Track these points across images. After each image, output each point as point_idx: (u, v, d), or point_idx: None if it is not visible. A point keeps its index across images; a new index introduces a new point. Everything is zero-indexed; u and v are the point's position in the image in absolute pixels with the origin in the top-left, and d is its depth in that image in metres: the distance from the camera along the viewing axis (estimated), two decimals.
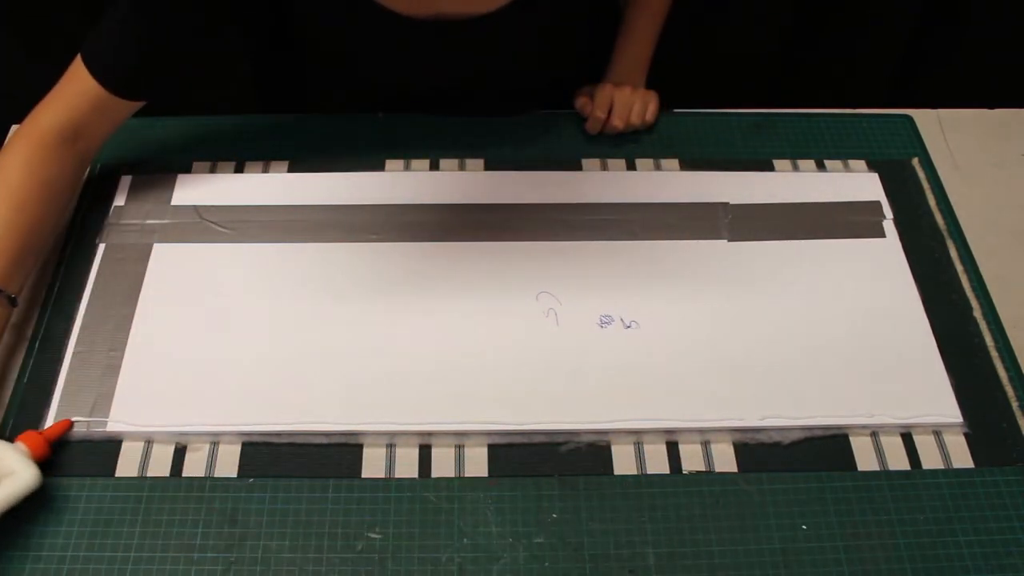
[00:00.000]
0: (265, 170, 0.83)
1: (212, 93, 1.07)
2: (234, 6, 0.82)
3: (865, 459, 0.66)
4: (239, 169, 0.83)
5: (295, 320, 0.72)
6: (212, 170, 0.83)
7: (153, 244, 0.77)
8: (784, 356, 0.70)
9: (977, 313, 0.74)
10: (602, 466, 0.66)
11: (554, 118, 0.89)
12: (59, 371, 0.69)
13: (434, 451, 0.66)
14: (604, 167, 0.85)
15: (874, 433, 0.67)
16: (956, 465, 0.66)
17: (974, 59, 1.22)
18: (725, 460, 0.66)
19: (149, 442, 0.66)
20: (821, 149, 0.86)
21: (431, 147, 0.86)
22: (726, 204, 0.81)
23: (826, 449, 0.67)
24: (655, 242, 0.78)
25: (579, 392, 0.68)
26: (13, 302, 0.69)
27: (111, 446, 0.66)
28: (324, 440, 0.66)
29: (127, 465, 0.65)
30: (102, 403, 0.67)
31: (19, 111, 0.91)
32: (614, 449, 0.66)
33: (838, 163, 0.86)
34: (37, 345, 0.71)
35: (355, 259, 0.76)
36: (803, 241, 0.78)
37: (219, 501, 0.64)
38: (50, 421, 0.66)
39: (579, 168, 0.84)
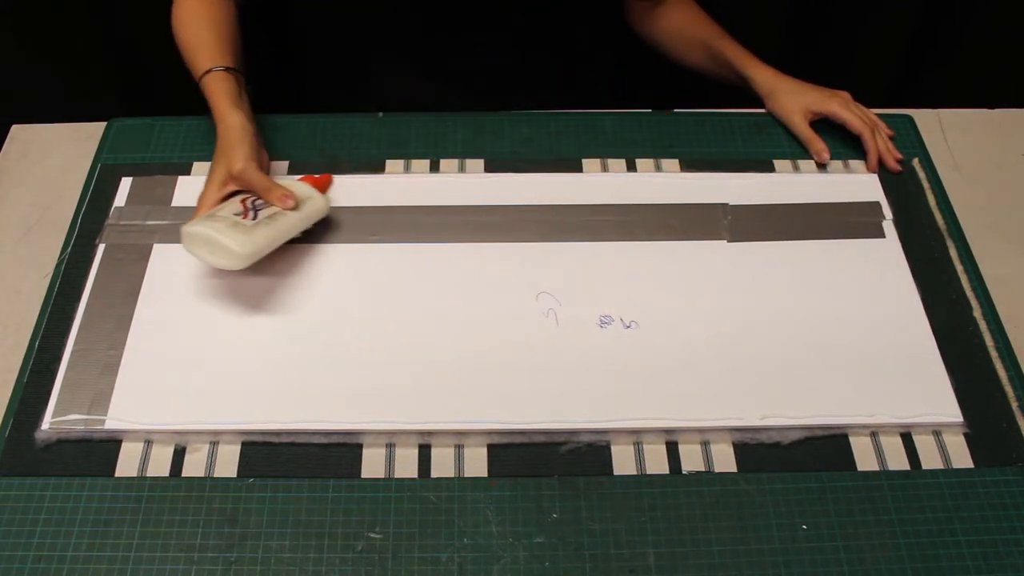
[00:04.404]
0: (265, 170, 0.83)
1: None
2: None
3: (865, 459, 0.66)
4: None
5: (295, 320, 0.72)
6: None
7: (153, 245, 0.77)
8: (784, 356, 0.70)
9: (977, 313, 0.74)
10: (602, 466, 0.65)
11: (554, 118, 0.89)
12: (58, 369, 0.69)
13: (434, 451, 0.66)
14: (604, 167, 0.85)
15: (874, 433, 0.67)
16: (956, 465, 0.66)
17: (974, 59, 1.22)
18: (725, 460, 0.66)
19: (148, 442, 0.66)
20: None
21: (431, 147, 0.86)
22: (726, 205, 0.81)
23: (826, 449, 0.67)
24: (655, 242, 0.78)
25: (579, 392, 0.68)
26: (241, 76, 0.79)
27: (111, 446, 0.66)
28: (324, 440, 0.66)
29: (127, 465, 0.65)
30: (100, 401, 0.67)
31: (19, 111, 0.91)
32: (614, 449, 0.66)
33: (838, 163, 0.86)
34: (37, 344, 0.71)
35: (355, 260, 0.76)
36: (803, 241, 0.78)
37: (219, 501, 0.64)
38: (48, 419, 0.66)
39: (579, 168, 0.84)
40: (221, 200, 0.74)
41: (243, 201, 0.73)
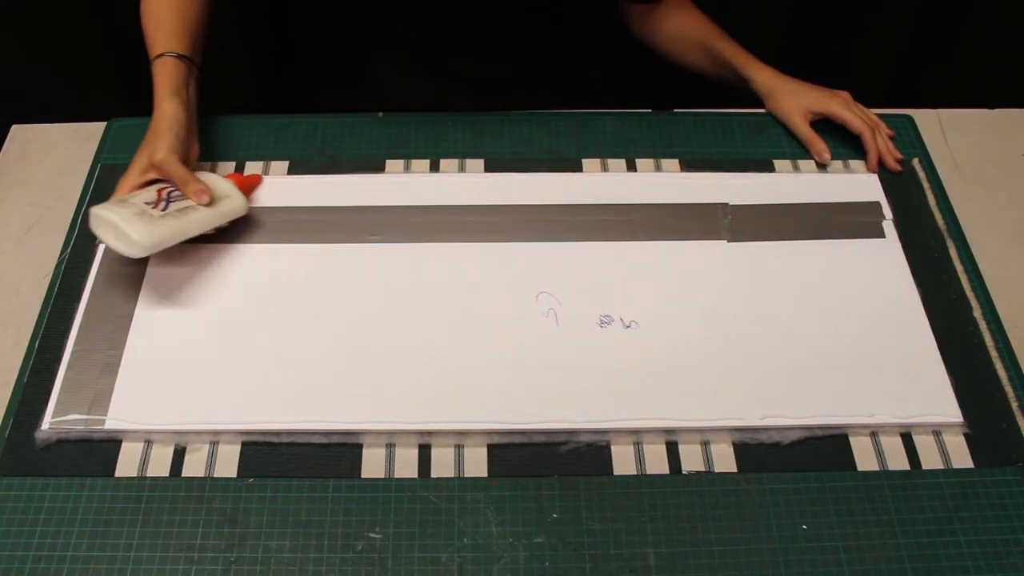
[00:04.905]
0: (265, 170, 0.83)
1: (212, 93, 1.07)
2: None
3: (865, 459, 0.66)
4: (239, 169, 0.83)
5: (294, 320, 0.72)
6: (212, 171, 0.83)
7: None
8: (784, 356, 0.70)
9: (977, 313, 0.74)
10: (602, 466, 0.65)
11: (554, 118, 0.89)
12: (58, 369, 0.69)
13: (434, 451, 0.66)
14: (604, 167, 0.85)
15: (874, 433, 0.67)
16: (956, 465, 0.66)
17: (974, 59, 1.22)
18: (725, 460, 0.66)
19: (148, 442, 0.66)
20: None
21: (431, 147, 0.86)
22: (726, 204, 0.81)
23: (826, 449, 0.67)
24: (655, 242, 0.78)
25: (579, 392, 0.68)
26: (199, 75, 0.81)
27: (111, 446, 0.66)
28: (324, 440, 0.66)
29: (127, 465, 0.65)
30: (100, 401, 0.67)
31: (19, 111, 0.91)
32: (614, 449, 0.66)
33: (838, 163, 0.86)
34: (37, 344, 0.71)
35: (355, 259, 0.76)
36: (803, 241, 0.78)
37: (219, 501, 0.64)
38: (48, 419, 0.66)
39: (579, 168, 0.84)
40: (141, 186, 0.74)
41: (160, 191, 0.73)
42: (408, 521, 0.63)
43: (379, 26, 0.93)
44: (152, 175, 0.74)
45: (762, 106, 0.90)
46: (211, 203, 0.73)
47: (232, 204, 0.75)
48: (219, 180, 0.76)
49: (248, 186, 0.80)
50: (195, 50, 0.81)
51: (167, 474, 0.65)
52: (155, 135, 0.74)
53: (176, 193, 0.73)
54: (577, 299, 0.73)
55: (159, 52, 0.79)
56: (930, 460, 0.66)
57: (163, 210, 0.70)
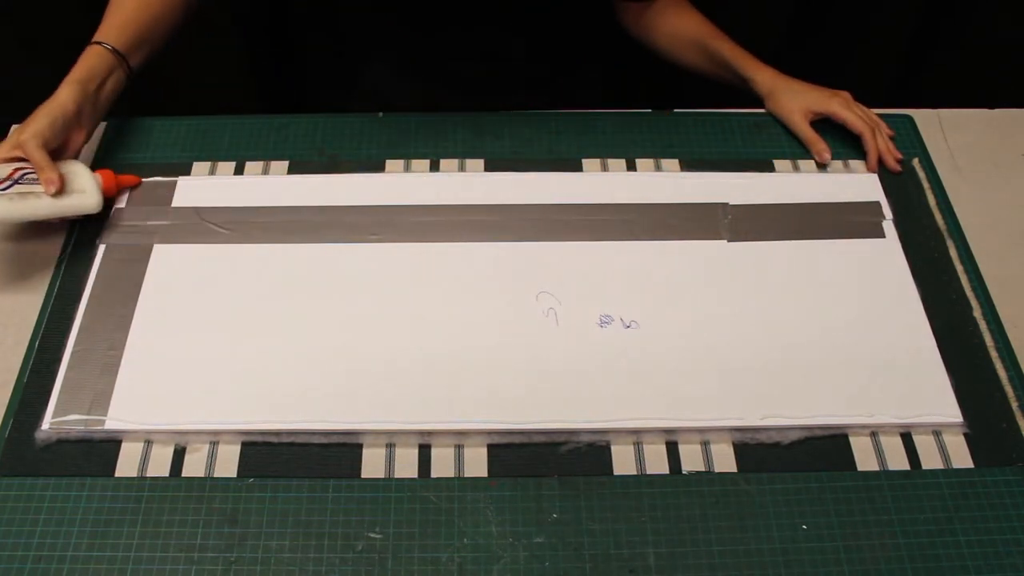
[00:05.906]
0: (265, 170, 0.83)
1: (212, 93, 1.08)
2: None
3: (865, 459, 0.66)
4: (239, 169, 0.84)
5: (295, 320, 0.72)
6: (212, 171, 0.83)
7: (153, 245, 0.77)
8: (784, 356, 0.70)
9: (977, 313, 0.74)
10: (602, 466, 0.65)
11: (554, 118, 0.89)
12: (58, 369, 0.69)
13: (434, 451, 0.66)
14: (604, 167, 0.85)
15: (874, 433, 0.67)
16: (956, 465, 0.66)
17: (974, 59, 1.22)
18: (725, 460, 0.66)
19: (148, 442, 0.66)
20: None
21: (431, 147, 0.86)
22: (726, 204, 0.81)
23: (826, 449, 0.67)
24: (655, 242, 0.78)
25: (579, 392, 0.68)
26: (130, 72, 0.80)
27: (111, 446, 0.66)
28: (324, 440, 0.66)
29: (127, 465, 0.65)
30: (100, 401, 0.67)
31: (19, 111, 0.91)
32: (614, 449, 0.66)
33: (838, 163, 0.86)
34: (37, 344, 0.71)
35: (355, 259, 0.76)
36: (803, 241, 0.78)
37: (219, 501, 0.64)
38: (48, 419, 0.66)
39: (579, 168, 0.84)
40: (8, 160, 0.73)
41: (16, 170, 0.73)
42: (408, 521, 0.63)
43: (379, 27, 0.93)
44: (19, 153, 0.73)
45: (762, 106, 0.90)
46: (59, 194, 0.72)
47: (83, 200, 0.74)
48: (84, 175, 0.75)
49: (119, 186, 0.79)
50: (133, 49, 0.81)
51: (167, 474, 0.65)
52: (34, 116, 0.74)
53: (31, 176, 0.73)
54: (577, 299, 0.73)
55: (96, 40, 0.79)
56: (930, 460, 0.66)
57: (3, 189, 0.71)
